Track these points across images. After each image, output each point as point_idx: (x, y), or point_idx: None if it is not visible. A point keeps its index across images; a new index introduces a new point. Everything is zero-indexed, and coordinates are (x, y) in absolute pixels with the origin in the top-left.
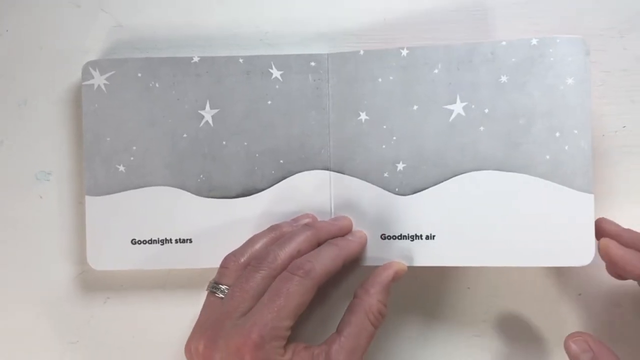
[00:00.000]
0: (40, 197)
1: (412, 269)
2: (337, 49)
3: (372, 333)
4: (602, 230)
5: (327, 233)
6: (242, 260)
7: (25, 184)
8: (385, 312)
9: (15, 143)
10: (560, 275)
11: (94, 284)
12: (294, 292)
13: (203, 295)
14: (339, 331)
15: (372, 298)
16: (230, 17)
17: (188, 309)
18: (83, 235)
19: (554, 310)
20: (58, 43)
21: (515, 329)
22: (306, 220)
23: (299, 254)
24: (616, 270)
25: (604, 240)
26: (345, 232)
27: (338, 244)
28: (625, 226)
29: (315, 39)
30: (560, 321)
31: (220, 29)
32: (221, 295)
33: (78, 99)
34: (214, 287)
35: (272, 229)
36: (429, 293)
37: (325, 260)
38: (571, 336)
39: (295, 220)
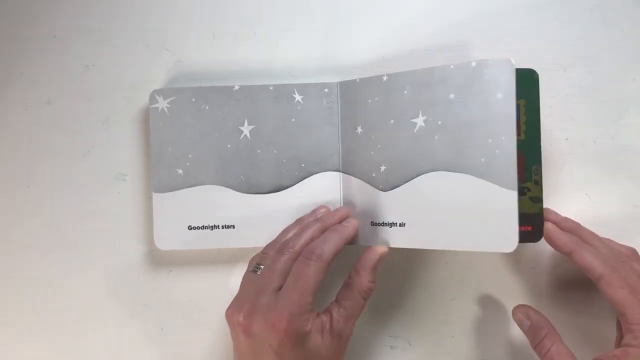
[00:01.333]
0: (118, 193)
1: (403, 249)
2: (346, 79)
3: (363, 304)
4: (547, 218)
5: (330, 223)
6: (277, 247)
7: (106, 183)
8: (373, 288)
9: (99, 152)
10: (518, 253)
11: (159, 260)
12: (311, 274)
13: (243, 268)
14: (337, 301)
15: (362, 278)
16: (263, 56)
17: (231, 279)
18: (151, 223)
19: (513, 280)
20: (131, 75)
21: (483, 295)
22: (323, 210)
23: (312, 239)
24: (554, 248)
25: (547, 224)
26: (343, 220)
27: (338, 230)
28: (566, 215)
29: (329, 71)
30: (517, 289)
31: (256, 64)
32: (258, 273)
33: (147, 118)
34: (255, 268)
35: (298, 221)
36: (414, 266)
37: (331, 244)
38: (516, 307)
39: (314, 211)
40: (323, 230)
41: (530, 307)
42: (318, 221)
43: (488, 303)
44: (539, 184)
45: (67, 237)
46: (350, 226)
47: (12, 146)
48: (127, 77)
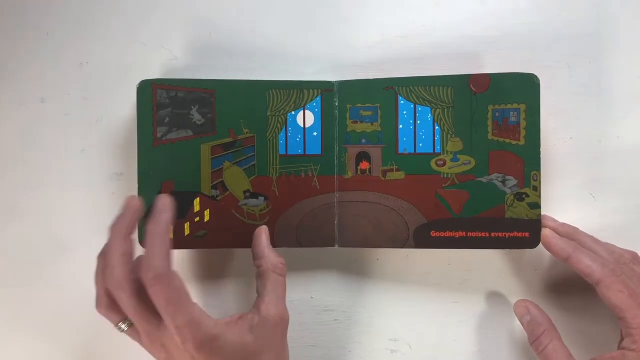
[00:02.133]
0: (113, 193)
1: (404, 251)
2: (346, 77)
3: (284, 282)
4: (545, 224)
5: (125, 224)
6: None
7: (101, 183)
8: (284, 261)
9: (93, 151)
10: (521, 255)
11: None
12: (168, 298)
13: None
14: (259, 294)
15: (269, 258)
16: (263, 54)
17: (232, 289)
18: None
19: (515, 282)
20: (127, 73)
21: (486, 297)
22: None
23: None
24: (552, 253)
25: (544, 230)
26: (135, 213)
27: (151, 231)
28: (570, 215)
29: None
30: (520, 291)
31: (255, 62)
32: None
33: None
34: (119, 328)
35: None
36: (416, 268)
37: (156, 250)
38: (517, 302)
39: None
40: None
41: (531, 302)
42: (103, 255)
43: (491, 305)
44: (537, 190)
45: (60, 239)
46: (165, 213)
47: (4, 145)
48: (122, 75)
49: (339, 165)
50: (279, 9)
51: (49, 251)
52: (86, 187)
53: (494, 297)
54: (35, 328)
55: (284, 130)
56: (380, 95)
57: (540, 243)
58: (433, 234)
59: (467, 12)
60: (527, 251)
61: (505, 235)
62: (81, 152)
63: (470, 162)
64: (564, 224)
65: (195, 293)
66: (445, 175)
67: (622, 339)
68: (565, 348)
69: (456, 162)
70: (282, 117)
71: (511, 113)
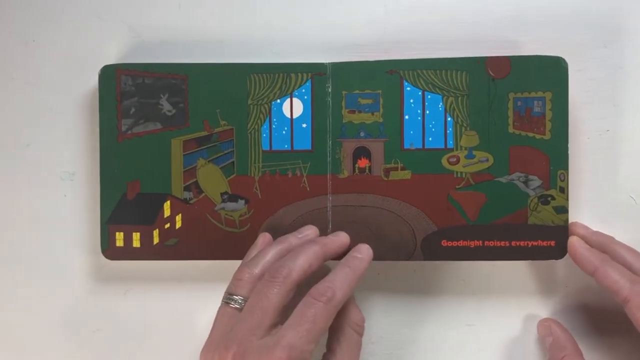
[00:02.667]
0: (65, 195)
1: (411, 264)
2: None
3: (360, 342)
4: (573, 232)
5: (332, 249)
6: (256, 271)
7: (50, 183)
8: (364, 319)
9: (41, 146)
10: (549, 269)
11: (114, 277)
12: (319, 318)
13: (215, 288)
14: (331, 350)
15: (350, 313)
16: (241, 30)
17: (201, 302)
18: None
19: (541, 301)
20: (81, 53)
21: (506, 319)
22: (310, 231)
23: (310, 268)
24: (578, 266)
25: (571, 238)
26: (344, 248)
27: (351, 266)
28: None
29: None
30: (547, 311)
31: (231, 39)
32: (236, 306)
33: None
34: (228, 298)
35: (279, 241)
36: (424, 284)
37: (344, 285)
38: (540, 321)
39: (299, 232)
40: (322, 257)
41: (555, 321)
42: (314, 244)
43: (512, 330)
44: (565, 192)
45: (1, 250)
46: (365, 259)
47: None
48: (76, 56)
49: (333, 162)
50: None
51: None
52: (32, 188)
53: (517, 320)
54: None
55: (267, 121)
56: (382, 79)
57: (567, 253)
58: (444, 243)
59: None
60: (556, 264)
61: (527, 244)
62: (26, 147)
63: (487, 160)
64: (596, 232)
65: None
66: (459, 175)
67: None
68: None
69: (471, 160)
70: (265, 106)
71: (535, 102)
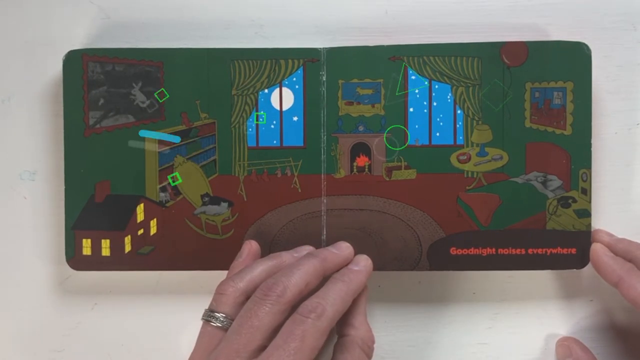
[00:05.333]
0: (25, 198)
1: (416, 275)
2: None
3: None
4: (596, 239)
5: (333, 264)
6: (241, 285)
7: (8, 184)
8: (374, 340)
9: None
10: (571, 280)
11: (81, 288)
12: (308, 336)
13: (192, 301)
14: None
15: (360, 331)
16: (222, 9)
17: (177, 315)
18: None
19: (561, 315)
20: (42, 36)
21: (522, 337)
22: (307, 251)
23: (307, 287)
24: (601, 275)
25: (594, 245)
26: (347, 263)
27: (345, 280)
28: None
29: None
30: (567, 328)
31: (210, 19)
32: (217, 324)
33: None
34: (209, 316)
35: (272, 257)
36: (430, 297)
37: (337, 301)
38: (559, 340)
39: (295, 251)
40: (322, 274)
41: (575, 340)
42: (313, 257)
43: (529, 350)
44: (587, 193)
45: None
46: (362, 271)
47: None
48: (37, 39)
49: (328, 160)
50: None
51: None
52: None
53: (534, 338)
54: None
55: (253, 114)
56: (383, 67)
57: (590, 262)
58: (453, 251)
59: None
60: (579, 275)
61: (546, 252)
62: None
63: (501, 157)
64: (622, 239)
65: None
66: (470, 175)
67: None
68: None
69: (484, 157)
70: (252, 96)
71: (555, 93)
